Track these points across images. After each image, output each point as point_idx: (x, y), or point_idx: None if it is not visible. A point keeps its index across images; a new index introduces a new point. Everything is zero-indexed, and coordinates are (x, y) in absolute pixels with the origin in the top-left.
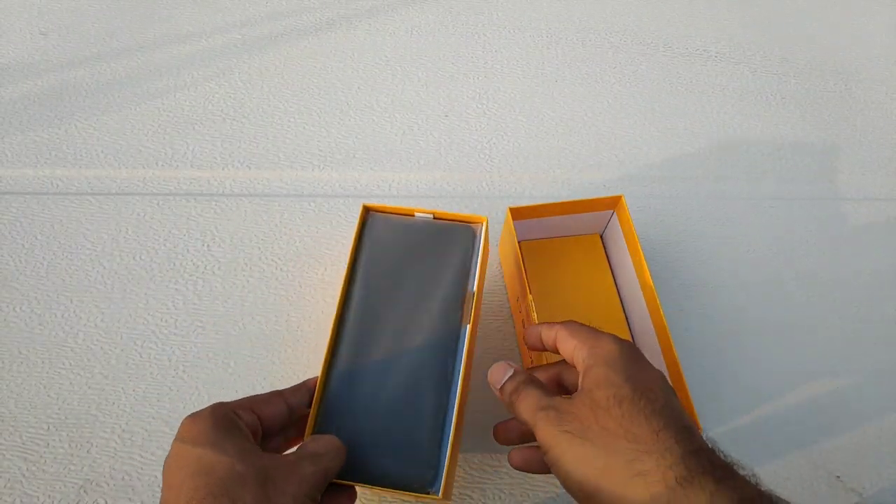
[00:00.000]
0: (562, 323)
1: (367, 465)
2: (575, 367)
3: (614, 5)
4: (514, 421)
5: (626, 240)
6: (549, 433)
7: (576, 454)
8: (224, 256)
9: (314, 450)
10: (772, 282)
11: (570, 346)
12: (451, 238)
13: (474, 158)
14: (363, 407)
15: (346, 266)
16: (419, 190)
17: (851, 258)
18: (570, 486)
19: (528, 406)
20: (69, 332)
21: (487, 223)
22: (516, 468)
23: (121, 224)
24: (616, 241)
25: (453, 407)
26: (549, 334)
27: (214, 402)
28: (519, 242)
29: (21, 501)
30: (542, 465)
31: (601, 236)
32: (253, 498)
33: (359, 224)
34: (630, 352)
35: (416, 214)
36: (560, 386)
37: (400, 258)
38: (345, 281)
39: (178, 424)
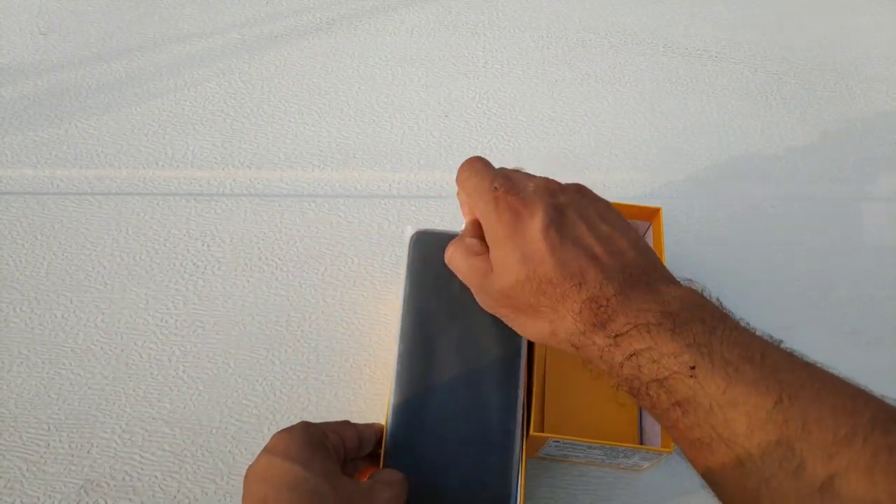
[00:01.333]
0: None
1: (436, 499)
2: None
3: (614, 5)
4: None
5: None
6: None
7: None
8: (224, 256)
9: (386, 479)
10: (771, 282)
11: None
12: None
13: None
14: (430, 440)
15: (391, 292)
16: (419, 190)
17: (852, 258)
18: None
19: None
20: (69, 332)
21: None
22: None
23: (121, 224)
24: None
25: (519, 430)
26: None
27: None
28: None
29: (21, 501)
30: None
31: None
32: None
33: (408, 247)
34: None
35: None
36: None
37: (448, 278)
38: (401, 312)
39: (178, 424)
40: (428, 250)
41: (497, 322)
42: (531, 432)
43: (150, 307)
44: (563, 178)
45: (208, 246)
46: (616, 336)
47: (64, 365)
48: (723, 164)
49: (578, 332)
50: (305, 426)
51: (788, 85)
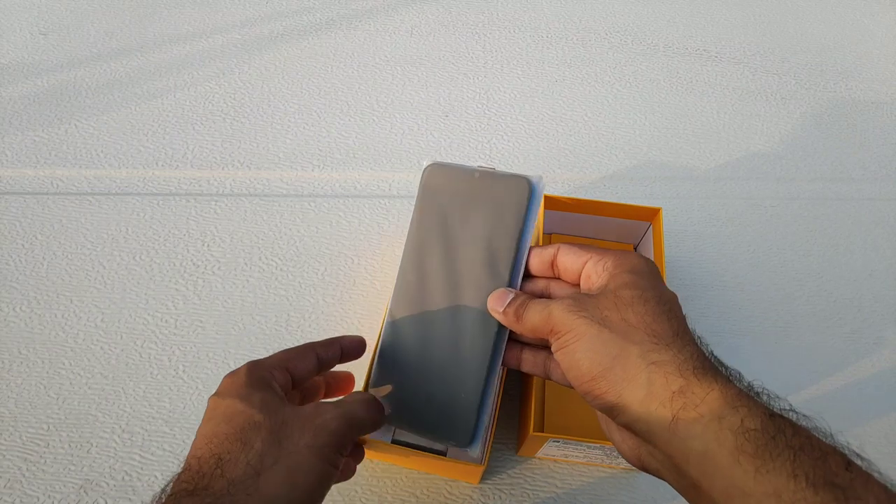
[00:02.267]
0: (557, 244)
1: (409, 419)
2: (579, 283)
3: (614, 5)
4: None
5: (654, 255)
6: (566, 317)
7: (591, 338)
8: (224, 256)
9: (341, 399)
10: (771, 282)
11: (581, 259)
12: (506, 191)
13: (474, 158)
14: (413, 363)
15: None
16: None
17: (852, 258)
18: (576, 369)
19: (538, 308)
20: (69, 332)
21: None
22: (511, 365)
23: (121, 224)
24: (647, 255)
25: (496, 371)
26: (544, 251)
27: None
28: (549, 235)
29: (21, 501)
30: (535, 363)
31: (635, 248)
32: (262, 443)
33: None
34: (654, 268)
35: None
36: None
37: (455, 211)
38: (408, 236)
39: (178, 424)
40: (437, 181)
41: (488, 256)
42: (531, 432)
43: (150, 307)
44: (563, 177)
45: (208, 246)
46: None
47: (64, 365)
48: (723, 164)
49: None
50: (249, 367)
51: (788, 85)
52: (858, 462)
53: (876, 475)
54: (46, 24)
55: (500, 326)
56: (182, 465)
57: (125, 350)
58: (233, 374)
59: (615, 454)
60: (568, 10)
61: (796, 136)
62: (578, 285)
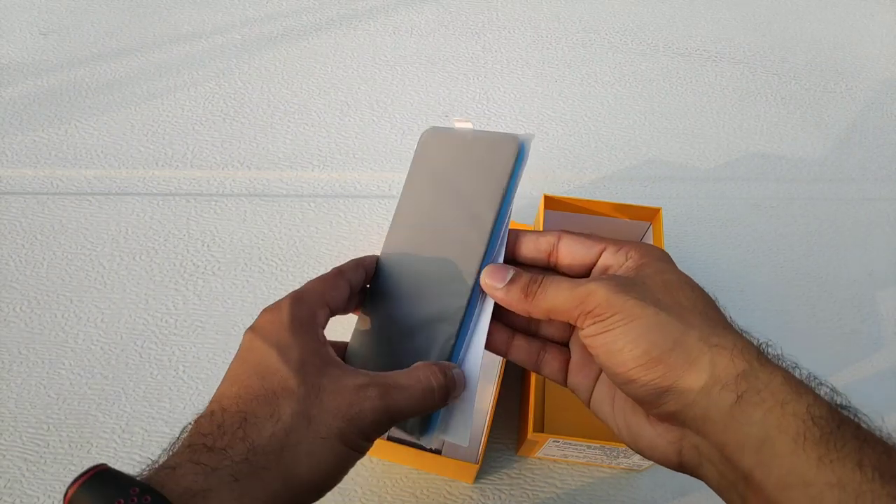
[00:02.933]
0: (562, 230)
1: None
2: (600, 270)
3: (614, 5)
4: (500, 327)
5: None
6: (614, 297)
7: (647, 320)
8: (224, 256)
9: (394, 382)
10: (771, 282)
11: (594, 251)
12: (494, 149)
13: None
14: (385, 336)
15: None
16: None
17: (851, 258)
18: (624, 353)
19: (564, 288)
20: (69, 332)
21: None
22: (515, 359)
23: (121, 224)
24: None
25: (463, 350)
26: (542, 238)
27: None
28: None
29: (21, 501)
30: (535, 362)
31: None
32: (292, 416)
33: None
34: (670, 259)
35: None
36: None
37: (444, 170)
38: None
39: (178, 424)
40: (432, 143)
41: (470, 215)
42: (530, 433)
43: (150, 307)
44: (563, 177)
45: (208, 246)
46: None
47: (64, 365)
48: (723, 164)
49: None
50: (293, 303)
51: (788, 85)
52: None
53: None
54: (46, 24)
55: (474, 296)
56: (207, 407)
57: (125, 350)
58: (274, 309)
59: (615, 454)
60: (568, 10)
61: (796, 136)
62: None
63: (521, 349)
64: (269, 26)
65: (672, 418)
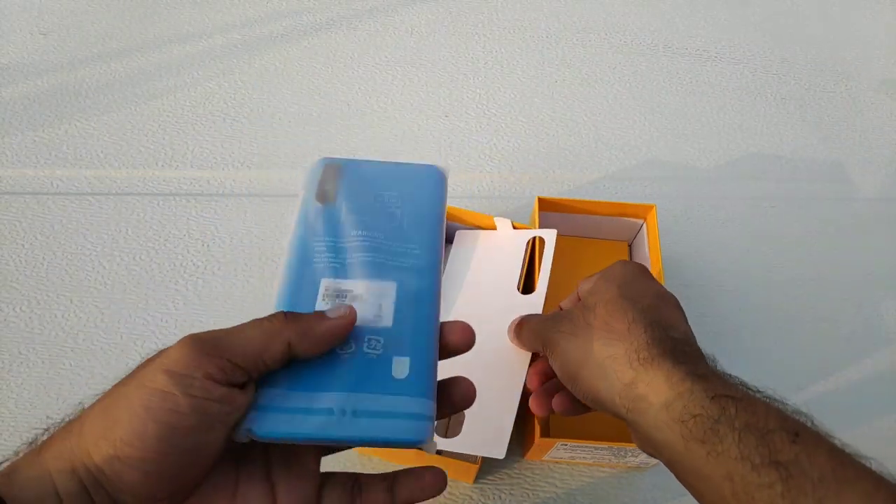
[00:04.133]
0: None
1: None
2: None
3: (614, 5)
4: (539, 393)
5: (650, 252)
6: (549, 337)
7: (566, 347)
8: (224, 256)
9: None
10: (771, 282)
11: (583, 285)
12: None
13: (474, 158)
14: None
15: None
16: None
17: (851, 258)
18: (562, 374)
19: (530, 327)
20: (69, 332)
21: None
22: (564, 412)
23: (121, 224)
24: (642, 253)
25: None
26: (571, 296)
27: None
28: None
29: None
30: (553, 395)
31: (630, 245)
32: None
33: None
34: (633, 269)
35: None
36: None
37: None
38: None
39: None
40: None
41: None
42: (536, 440)
43: (150, 307)
44: (563, 177)
45: (208, 246)
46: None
47: (64, 365)
48: (722, 164)
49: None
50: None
51: (788, 85)
52: (809, 425)
53: (825, 439)
54: (46, 24)
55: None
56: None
57: (125, 350)
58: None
59: (623, 454)
60: (568, 10)
61: (796, 136)
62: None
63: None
64: (269, 26)
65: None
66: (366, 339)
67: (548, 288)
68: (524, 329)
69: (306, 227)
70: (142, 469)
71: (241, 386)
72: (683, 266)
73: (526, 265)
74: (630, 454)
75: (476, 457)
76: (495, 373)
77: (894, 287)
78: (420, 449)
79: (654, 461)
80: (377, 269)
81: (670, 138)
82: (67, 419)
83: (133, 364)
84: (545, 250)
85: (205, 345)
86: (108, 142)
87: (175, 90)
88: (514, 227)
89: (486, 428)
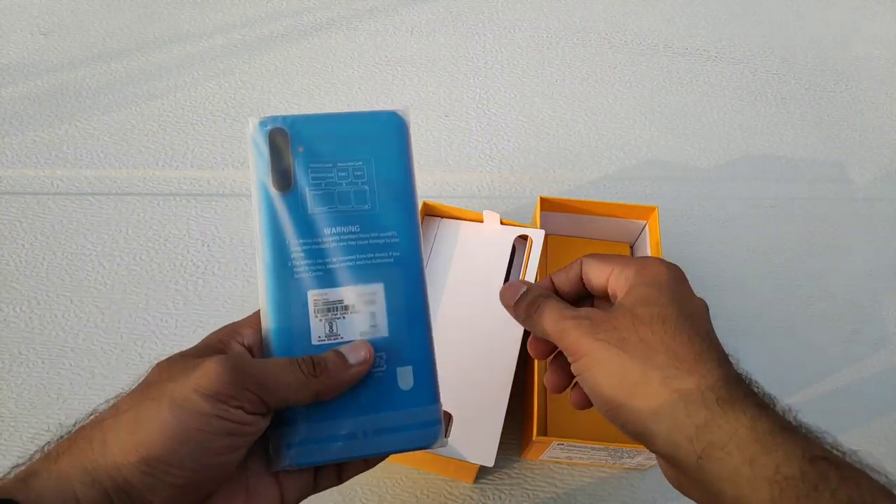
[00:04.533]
0: (583, 256)
1: None
2: (608, 295)
3: (614, 5)
4: (554, 366)
5: (652, 254)
6: (581, 340)
7: (610, 363)
8: (224, 256)
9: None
10: (771, 282)
11: (605, 272)
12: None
13: (474, 158)
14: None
15: None
16: (419, 190)
17: (851, 258)
18: (597, 396)
19: (552, 318)
20: (69, 332)
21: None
22: (554, 391)
23: (121, 224)
24: (644, 254)
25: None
26: (570, 272)
27: None
28: (547, 235)
29: None
30: (568, 381)
31: (632, 247)
32: (129, 395)
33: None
34: (677, 275)
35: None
36: (581, 301)
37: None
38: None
39: None
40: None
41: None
42: (534, 437)
43: (150, 307)
44: (563, 177)
45: (208, 246)
46: None
47: (64, 365)
48: (723, 164)
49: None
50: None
51: (788, 85)
52: None
53: None
54: (47, 24)
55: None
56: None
57: (125, 350)
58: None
59: (619, 455)
60: (568, 9)
61: (796, 136)
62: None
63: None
64: (269, 26)
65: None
66: None
67: None
68: (544, 314)
69: (272, 225)
70: (174, 485)
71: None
72: (683, 266)
73: (511, 263)
74: (626, 455)
75: None
76: (482, 376)
77: (894, 287)
78: (432, 449)
79: (651, 462)
80: (362, 272)
81: (670, 138)
82: (80, 425)
83: (133, 364)
84: (532, 250)
85: (243, 376)
86: (109, 142)
87: (175, 90)
88: (503, 224)
89: (474, 433)
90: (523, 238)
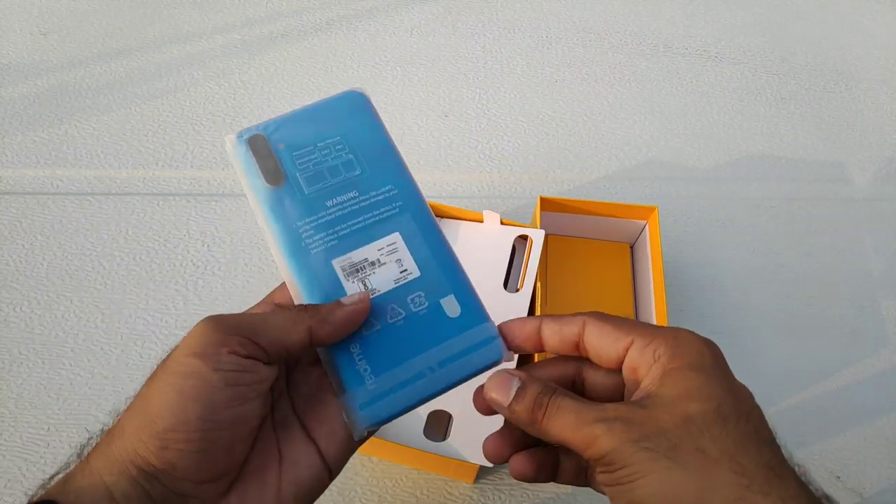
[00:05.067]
0: (587, 314)
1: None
2: (619, 369)
3: (614, 5)
4: (506, 431)
5: (651, 253)
6: (619, 449)
7: (660, 481)
8: (224, 256)
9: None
10: (771, 282)
11: (621, 344)
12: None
13: (474, 158)
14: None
15: None
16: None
17: (852, 258)
18: None
19: (570, 424)
20: (69, 332)
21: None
22: (520, 477)
23: (121, 224)
24: (644, 254)
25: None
26: (566, 328)
27: None
28: (547, 235)
29: (21, 502)
30: (550, 472)
31: (632, 247)
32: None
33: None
34: (719, 355)
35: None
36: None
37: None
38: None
39: None
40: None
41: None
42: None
43: (150, 307)
44: (563, 177)
45: (208, 246)
46: None
47: (64, 365)
48: (723, 164)
49: None
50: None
51: (788, 85)
52: None
53: None
54: (46, 24)
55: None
56: None
57: (125, 350)
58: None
59: None
60: (568, 10)
61: (796, 136)
62: (614, 370)
63: (529, 461)
64: (269, 26)
65: None
66: (409, 301)
67: (546, 288)
68: (559, 418)
69: (277, 216)
70: (191, 451)
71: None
72: (683, 266)
73: (511, 263)
74: None
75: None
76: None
77: (894, 287)
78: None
79: None
80: (374, 229)
81: (670, 138)
82: (107, 428)
83: (133, 364)
84: (532, 250)
85: (227, 325)
86: (109, 142)
87: (175, 90)
88: (503, 224)
89: (474, 433)
90: (523, 238)
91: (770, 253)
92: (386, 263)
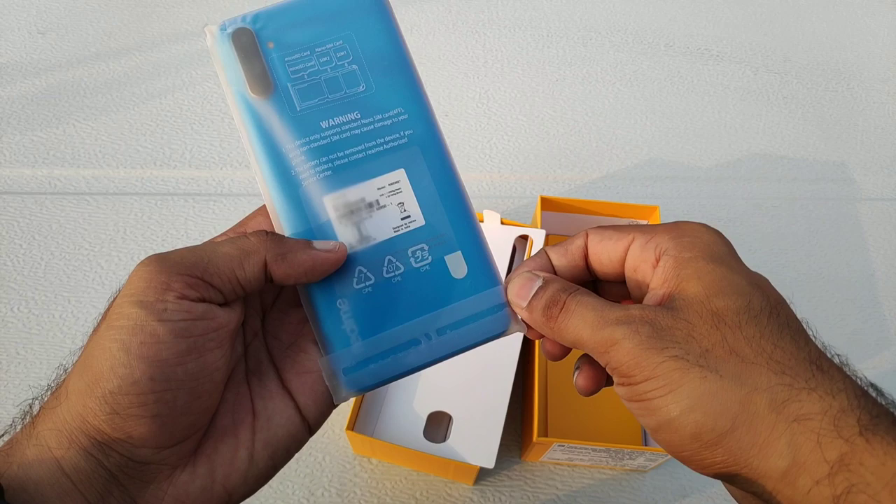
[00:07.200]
0: (584, 231)
1: None
2: (623, 279)
3: (615, 4)
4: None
5: None
6: (642, 357)
7: (693, 389)
8: None
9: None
10: (772, 282)
11: (621, 247)
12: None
13: (474, 158)
14: None
15: None
16: None
17: (852, 258)
18: (672, 432)
19: (590, 323)
20: (67, 332)
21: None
22: (587, 393)
23: (119, 224)
24: None
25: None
26: (570, 246)
27: None
28: (547, 236)
29: None
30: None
31: None
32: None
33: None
34: (730, 244)
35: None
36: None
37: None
38: None
39: None
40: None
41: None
42: (535, 438)
43: None
44: (564, 177)
45: None
46: None
47: (63, 365)
48: (723, 164)
49: None
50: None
51: (790, 85)
52: None
53: None
54: (45, 23)
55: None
56: None
57: None
58: None
59: (620, 456)
60: (568, 9)
61: (797, 135)
62: (624, 282)
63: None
64: None
65: (760, 499)
66: (408, 255)
67: None
68: (575, 318)
69: (262, 135)
70: (145, 416)
71: (221, 305)
72: None
73: (511, 263)
74: (628, 457)
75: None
76: (482, 377)
77: (895, 287)
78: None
79: (652, 464)
80: (376, 161)
81: (672, 138)
82: (53, 386)
83: None
84: (533, 251)
85: (172, 264)
86: (107, 142)
87: (174, 90)
88: (503, 224)
89: (474, 434)
90: (524, 238)
91: (771, 253)
92: (386, 206)
